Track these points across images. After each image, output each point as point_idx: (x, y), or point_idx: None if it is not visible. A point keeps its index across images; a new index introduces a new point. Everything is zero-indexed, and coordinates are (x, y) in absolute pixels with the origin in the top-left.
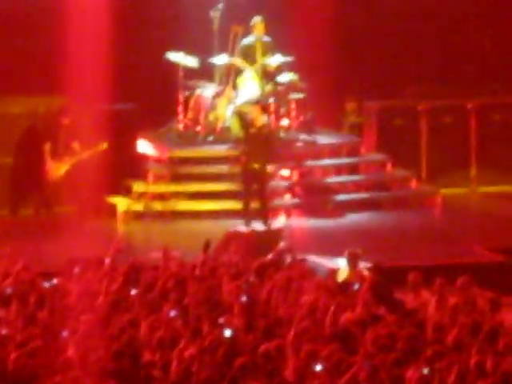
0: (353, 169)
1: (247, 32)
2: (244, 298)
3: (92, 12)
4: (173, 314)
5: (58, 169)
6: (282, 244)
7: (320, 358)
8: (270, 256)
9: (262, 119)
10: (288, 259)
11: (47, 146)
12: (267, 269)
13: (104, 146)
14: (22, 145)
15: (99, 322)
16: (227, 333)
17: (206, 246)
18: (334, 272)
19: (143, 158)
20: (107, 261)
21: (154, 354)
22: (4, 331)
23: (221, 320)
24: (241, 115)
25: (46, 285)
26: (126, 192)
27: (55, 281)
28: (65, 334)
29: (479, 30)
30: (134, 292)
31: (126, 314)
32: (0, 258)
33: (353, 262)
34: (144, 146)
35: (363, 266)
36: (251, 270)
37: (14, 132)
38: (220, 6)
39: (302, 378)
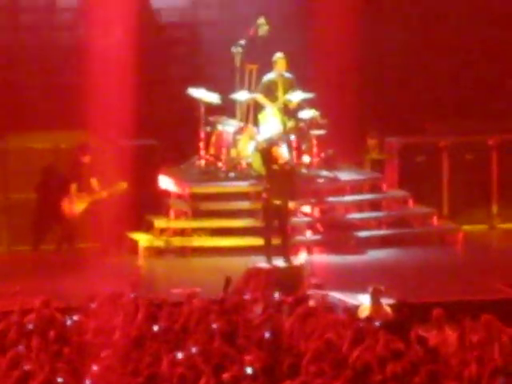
0: (374, 205)
1: (268, 69)
2: (267, 334)
3: (115, 49)
4: (194, 350)
5: (81, 205)
6: (312, 279)
7: None
8: (301, 291)
9: (283, 156)
10: (313, 292)
11: (73, 186)
12: (295, 303)
13: (124, 185)
14: (43, 181)
15: (120, 358)
16: (248, 370)
17: (227, 282)
18: (355, 308)
19: (164, 193)
20: (127, 297)
21: None
22: (26, 367)
23: (243, 356)
24: (262, 152)
25: (67, 321)
26: (148, 228)
27: (76, 316)
28: (86, 369)
29: (502, 64)
30: (154, 328)
31: (146, 350)
32: (20, 293)
33: (375, 298)
34: (165, 182)
35: (385, 302)
36: (278, 306)
37: (35, 167)
38: (242, 42)
39: None
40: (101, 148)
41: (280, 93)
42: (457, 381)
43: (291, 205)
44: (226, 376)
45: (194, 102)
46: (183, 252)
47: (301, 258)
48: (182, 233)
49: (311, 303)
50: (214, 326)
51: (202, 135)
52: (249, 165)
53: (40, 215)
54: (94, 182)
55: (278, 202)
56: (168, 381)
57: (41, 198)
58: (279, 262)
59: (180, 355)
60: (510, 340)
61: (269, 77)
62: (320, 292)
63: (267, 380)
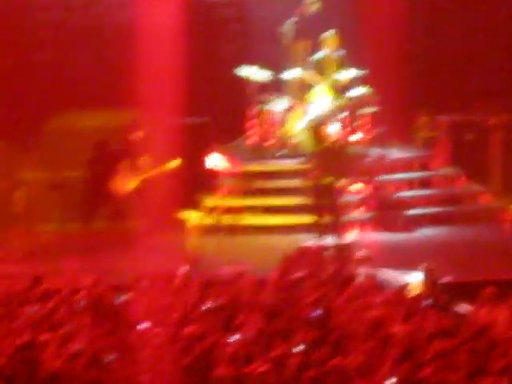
0: (424, 183)
1: (320, 46)
2: (318, 312)
3: (165, 27)
4: (246, 329)
5: (132, 184)
6: (360, 253)
7: (390, 374)
8: (350, 268)
9: (333, 134)
10: (363, 270)
11: (125, 163)
12: (345, 281)
13: (177, 162)
14: (94, 158)
15: (170, 337)
16: (299, 347)
17: (285, 261)
18: (405, 287)
19: (215, 172)
20: (180, 275)
21: (225, 369)
22: (76, 345)
23: (294, 334)
24: (312, 130)
25: (118, 299)
26: (198, 206)
27: (126, 295)
28: (137, 348)
29: None
30: (206, 306)
31: (198, 328)
32: (72, 271)
33: (427, 276)
34: (215, 161)
35: (436, 280)
36: (328, 283)
37: (85, 146)
38: (293, 19)
39: None
40: (152, 126)
41: (331, 71)
42: (505, 359)
43: (341, 183)
44: (275, 353)
45: (244, 81)
46: (233, 230)
47: (351, 237)
48: (232, 211)
49: (361, 281)
50: (266, 303)
51: (253, 114)
52: (299, 143)
53: (91, 192)
54: (145, 159)
55: (328, 180)
56: (219, 360)
57: (92, 176)
58: (330, 241)
59: (232, 335)
60: None
61: (319, 54)
62: (370, 270)
63: (316, 358)
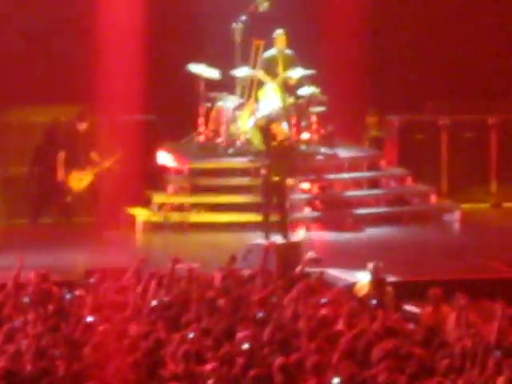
0: (373, 183)
1: (269, 45)
2: (265, 311)
3: (117, 24)
4: (194, 327)
5: (80, 179)
6: (309, 254)
7: (335, 372)
8: (298, 268)
9: (283, 132)
10: (311, 269)
11: (61, 155)
12: (292, 280)
13: (120, 153)
14: (39, 153)
15: (117, 333)
16: (245, 346)
17: (232, 260)
18: (353, 286)
19: (163, 169)
20: (129, 271)
21: (173, 366)
22: (22, 341)
23: (241, 333)
24: (262, 128)
25: (65, 295)
26: (146, 203)
27: (74, 291)
28: (83, 344)
29: (500, 44)
30: (154, 303)
31: (145, 325)
32: (18, 267)
33: (375, 276)
34: (164, 158)
35: (383, 280)
36: (278, 283)
37: (35, 141)
38: (243, 18)
39: None
40: (101, 122)
41: (280, 69)
42: (452, 358)
43: (290, 181)
44: (222, 351)
45: (193, 78)
46: (181, 227)
47: (299, 235)
48: (180, 208)
49: (309, 280)
50: (214, 301)
51: (202, 111)
52: (248, 141)
53: (39, 188)
54: (94, 155)
55: (276, 179)
56: (167, 357)
57: (40, 171)
58: (277, 239)
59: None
60: (508, 319)
61: (269, 53)
62: (318, 269)
63: (262, 356)
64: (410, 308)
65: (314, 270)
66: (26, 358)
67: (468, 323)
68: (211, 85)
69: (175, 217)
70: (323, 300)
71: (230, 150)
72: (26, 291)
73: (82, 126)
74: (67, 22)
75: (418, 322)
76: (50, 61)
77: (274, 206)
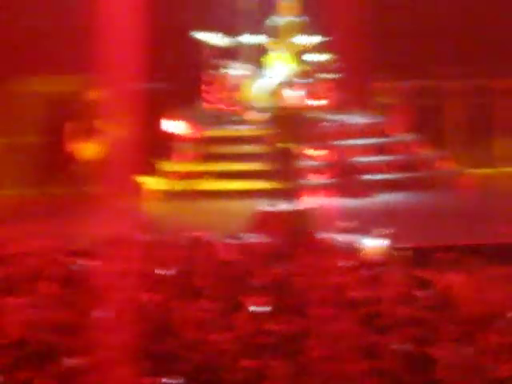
0: (383, 149)
1: (280, 12)
2: (277, 277)
3: None
4: (206, 295)
5: (88, 148)
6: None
7: (347, 339)
8: (309, 234)
9: (291, 99)
10: (323, 235)
11: (70, 125)
12: (301, 250)
13: (127, 122)
14: (47, 123)
15: (131, 302)
16: (262, 309)
17: (243, 226)
18: (362, 251)
19: (172, 137)
20: (138, 240)
21: (185, 334)
22: (32, 310)
23: (250, 301)
24: (272, 95)
25: (74, 264)
26: (156, 171)
27: (83, 260)
28: (96, 313)
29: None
30: (166, 271)
31: (158, 293)
32: (28, 236)
33: (386, 242)
34: (171, 126)
35: (391, 245)
36: (285, 252)
37: (42, 111)
38: None
39: (327, 359)
40: (109, 90)
41: (290, 36)
42: (463, 323)
43: (299, 148)
44: (233, 320)
45: (201, 46)
46: (191, 195)
47: (309, 202)
48: (189, 176)
49: (319, 246)
50: (225, 268)
51: (210, 79)
52: (258, 108)
53: (48, 157)
54: (101, 124)
55: (285, 146)
56: (179, 325)
57: (48, 140)
58: (287, 205)
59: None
60: None
61: (279, 20)
62: (330, 235)
63: (276, 322)
64: (421, 274)
65: (326, 236)
66: (38, 328)
67: (481, 288)
68: (220, 52)
69: (185, 184)
70: (335, 266)
71: (239, 118)
72: (36, 260)
73: (89, 96)
74: None
75: (429, 287)
76: (55, 31)
77: (284, 172)
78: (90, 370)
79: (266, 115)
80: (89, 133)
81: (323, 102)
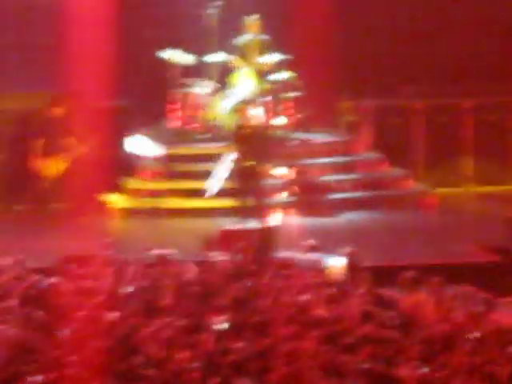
0: (348, 168)
1: (243, 30)
2: (240, 295)
3: (89, 11)
4: (168, 313)
5: (55, 166)
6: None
7: (310, 357)
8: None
9: (257, 118)
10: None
11: (36, 141)
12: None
13: (94, 139)
14: (14, 140)
15: (93, 320)
16: (221, 326)
17: (206, 245)
18: (328, 270)
19: (136, 154)
20: (102, 258)
21: (147, 352)
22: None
23: (215, 319)
24: (236, 113)
25: (41, 281)
26: (121, 189)
27: (49, 278)
28: (59, 331)
29: (475, 28)
30: (129, 289)
31: (120, 311)
32: None
33: (350, 260)
34: (136, 144)
35: (358, 264)
36: (249, 270)
37: (9, 128)
38: (218, 3)
39: (292, 378)
40: (73, 108)
41: (255, 55)
42: (427, 342)
43: (264, 167)
44: (196, 338)
45: (167, 64)
46: (156, 213)
47: (274, 220)
48: (155, 194)
49: (284, 265)
50: (188, 287)
51: (177, 97)
52: (223, 126)
53: (13, 174)
54: (69, 141)
55: (251, 164)
56: (142, 344)
57: (13, 157)
58: (253, 224)
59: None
60: (482, 304)
61: (243, 38)
62: (291, 254)
63: (238, 341)
64: (385, 293)
65: (286, 254)
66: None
67: (443, 308)
68: (185, 70)
69: (149, 203)
70: (298, 285)
71: (205, 136)
72: (1, 278)
73: (57, 113)
74: (38, 8)
75: (394, 307)
76: (17, 47)
77: (249, 191)
78: None
79: (230, 133)
80: (53, 150)
81: (287, 121)
